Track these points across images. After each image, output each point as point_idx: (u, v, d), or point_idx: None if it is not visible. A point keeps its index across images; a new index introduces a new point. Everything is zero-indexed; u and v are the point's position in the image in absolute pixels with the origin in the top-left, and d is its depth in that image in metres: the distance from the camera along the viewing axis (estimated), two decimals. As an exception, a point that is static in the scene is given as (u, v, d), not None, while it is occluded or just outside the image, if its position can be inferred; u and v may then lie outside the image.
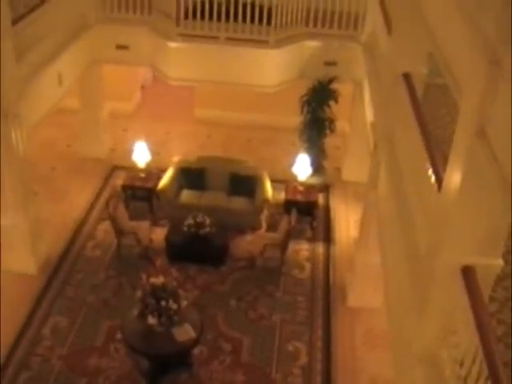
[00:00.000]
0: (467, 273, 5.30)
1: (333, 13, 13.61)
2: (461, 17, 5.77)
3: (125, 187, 13.88)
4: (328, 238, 13.50)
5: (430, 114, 8.30)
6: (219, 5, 13.18)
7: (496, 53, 4.58)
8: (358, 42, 13.61)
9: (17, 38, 10.41)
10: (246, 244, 12.91)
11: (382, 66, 10.72)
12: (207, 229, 12.19)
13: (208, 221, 12.27)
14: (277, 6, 13.15)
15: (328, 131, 14.64)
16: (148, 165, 14.00)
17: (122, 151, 15.59)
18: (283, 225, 12.57)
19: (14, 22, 10.46)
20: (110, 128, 16.13)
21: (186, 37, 13.53)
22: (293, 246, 12.84)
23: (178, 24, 13.42)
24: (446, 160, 5.77)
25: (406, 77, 8.95)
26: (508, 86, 4.43)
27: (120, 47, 14.07)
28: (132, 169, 14.10)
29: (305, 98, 14.41)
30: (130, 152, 14.12)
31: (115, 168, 15.25)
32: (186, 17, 13.39)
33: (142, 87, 19.17)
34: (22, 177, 11.12)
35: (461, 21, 5.74)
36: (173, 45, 13.62)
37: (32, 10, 11.41)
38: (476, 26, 5.14)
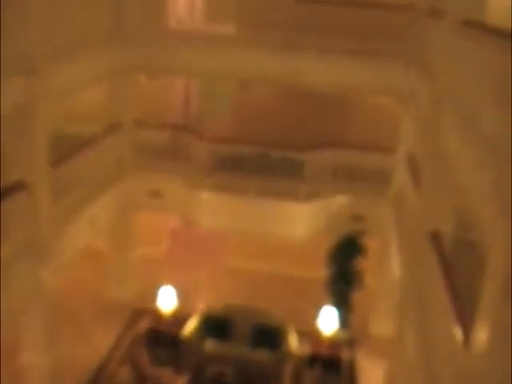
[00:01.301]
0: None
1: (362, 168, 13.96)
2: (487, 177, 5.92)
3: (149, 331, 13.77)
4: (353, 394, 13.13)
5: (458, 269, 8.31)
6: (251, 158, 13.60)
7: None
8: (386, 198, 13.85)
9: (55, 180, 10.78)
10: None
11: (410, 221, 10.85)
12: (229, 379, 11.94)
13: (231, 371, 12.04)
14: (307, 161, 13.55)
15: (355, 285, 14.58)
16: (173, 310, 13.96)
17: (148, 295, 15.59)
18: (307, 379, 12.30)
19: (54, 164, 10.86)
20: (138, 271, 16.24)
21: (217, 187, 13.90)
22: (316, 401, 12.48)
23: (209, 175, 13.83)
24: (474, 317, 5.74)
25: (434, 233, 9.05)
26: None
27: (153, 194, 14.47)
28: (157, 313, 14.05)
29: (332, 251, 14.48)
30: (156, 296, 14.14)
31: (141, 311, 15.20)
32: (219, 168, 13.81)
33: (172, 232, 19.43)
34: (50, 316, 11.15)
35: (487, 181, 5.88)
36: (204, 194, 13.97)
37: (71, 154, 11.89)
38: (501, 187, 5.27)
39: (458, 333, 6.62)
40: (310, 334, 13.96)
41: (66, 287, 15.44)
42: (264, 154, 13.65)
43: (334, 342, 13.64)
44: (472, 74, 7.68)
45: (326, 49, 13.38)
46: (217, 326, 13.57)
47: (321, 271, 14.86)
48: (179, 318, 14.00)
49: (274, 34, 13.41)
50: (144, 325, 14.31)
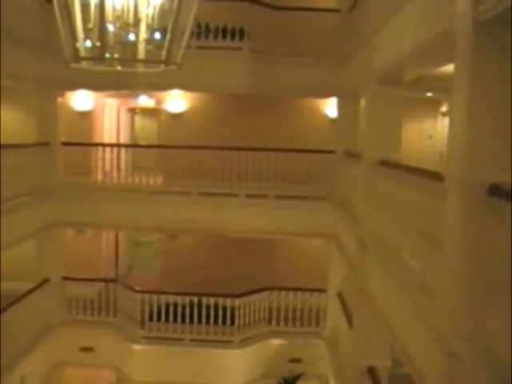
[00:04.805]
0: None
1: (294, 310, 13.99)
2: (416, 312, 6.03)
3: None
4: None
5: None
6: (183, 307, 13.51)
7: (451, 345, 4.73)
8: (321, 338, 13.81)
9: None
10: None
11: (347, 360, 10.81)
12: None
13: None
14: (239, 307, 13.52)
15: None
16: None
17: None
18: None
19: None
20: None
21: (150, 339, 13.65)
22: None
23: (142, 327, 13.61)
24: None
25: (371, 370, 9.03)
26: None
27: (84, 349, 14.03)
28: None
29: (271, 397, 14.18)
30: None
31: None
32: (151, 319, 13.62)
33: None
34: None
35: (416, 316, 5.99)
36: (137, 347, 13.67)
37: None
38: (430, 320, 5.36)
39: None
40: None
41: None
42: (196, 302, 13.59)
43: None
44: (392, 211, 7.94)
45: (254, 194, 13.72)
46: None
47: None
48: None
49: (199, 183, 13.70)
50: None
